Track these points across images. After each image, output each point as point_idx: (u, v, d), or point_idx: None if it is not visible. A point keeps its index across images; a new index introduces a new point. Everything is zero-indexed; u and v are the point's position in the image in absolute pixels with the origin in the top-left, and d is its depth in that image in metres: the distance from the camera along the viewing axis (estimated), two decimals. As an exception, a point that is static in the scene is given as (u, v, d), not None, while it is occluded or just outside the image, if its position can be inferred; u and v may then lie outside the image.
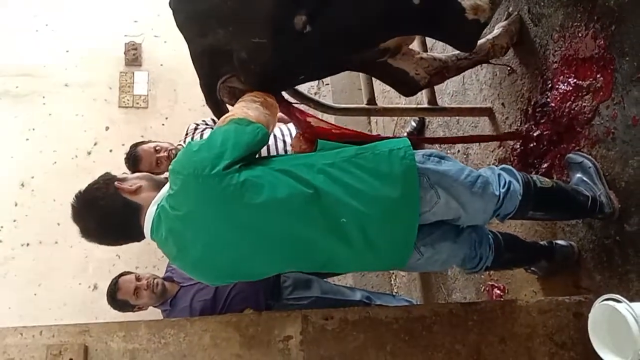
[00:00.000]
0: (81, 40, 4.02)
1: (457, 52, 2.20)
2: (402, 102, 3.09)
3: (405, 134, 3.35)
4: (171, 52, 3.94)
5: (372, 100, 2.40)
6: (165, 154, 2.99)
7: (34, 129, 3.80)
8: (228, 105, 1.80)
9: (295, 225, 1.48)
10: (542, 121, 2.17)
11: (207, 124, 3.15)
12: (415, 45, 2.37)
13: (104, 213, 1.56)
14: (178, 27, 1.83)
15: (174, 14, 1.82)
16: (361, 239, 1.50)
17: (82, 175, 3.68)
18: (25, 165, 3.71)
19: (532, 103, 2.23)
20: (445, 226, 1.71)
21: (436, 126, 3.12)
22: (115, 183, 1.59)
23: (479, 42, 2.22)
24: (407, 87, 2.17)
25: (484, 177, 1.67)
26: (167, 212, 1.48)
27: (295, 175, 1.50)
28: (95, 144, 3.83)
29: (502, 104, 2.46)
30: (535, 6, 2.22)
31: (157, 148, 2.99)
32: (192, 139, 3.07)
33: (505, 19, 2.33)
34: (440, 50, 2.31)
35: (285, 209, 1.47)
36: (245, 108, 1.60)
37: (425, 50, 2.42)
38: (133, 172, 3.07)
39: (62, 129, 3.82)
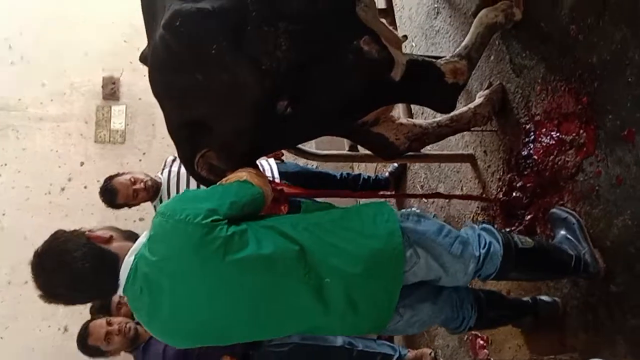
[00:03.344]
0: (57, 73, 3.95)
1: (438, 119, 2.22)
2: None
3: (387, 174, 3.33)
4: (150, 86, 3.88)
5: (354, 146, 2.37)
6: (142, 185, 2.92)
7: (6, 164, 3.72)
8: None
9: (277, 283, 1.43)
10: (525, 173, 2.15)
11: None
12: (399, 110, 2.37)
13: (77, 267, 1.45)
14: (154, 95, 1.77)
15: (149, 81, 1.75)
16: (343, 301, 1.47)
17: (55, 212, 3.61)
18: (-4, 202, 3.60)
19: (515, 154, 2.21)
20: (424, 287, 1.67)
21: (418, 167, 3.10)
22: (86, 233, 1.52)
23: (461, 110, 2.25)
24: (386, 152, 2.16)
25: (464, 237, 1.65)
26: (146, 259, 1.42)
27: (281, 231, 1.47)
28: (69, 180, 3.74)
29: (485, 151, 2.44)
30: (517, 57, 2.22)
31: (132, 179, 2.92)
32: (170, 170, 3.02)
33: (487, 88, 2.34)
34: (432, 114, 2.30)
35: (268, 265, 1.42)
36: (253, 174, 1.58)
37: (410, 115, 2.43)
38: (109, 206, 3.00)
39: (36, 165, 3.73)
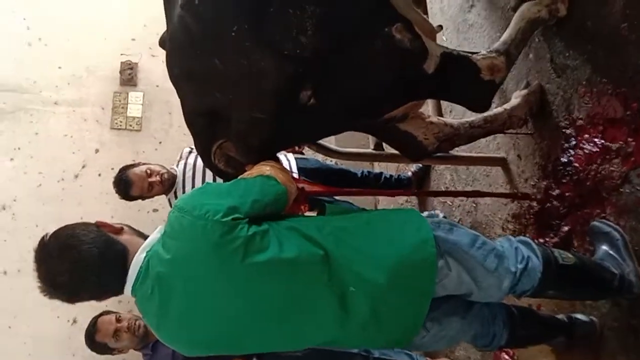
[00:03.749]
0: (75, 57, 3.84)
1: (471, 119, 2.08)
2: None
3: (410, 174, 3.19)
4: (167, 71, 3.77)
5: (379, 145, 2.23)
6: (158, 178, 2.82)
7: (19, 149, 3.62)
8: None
9: (298, 290, 1.32)
10: (563, 181, 2.00)
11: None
12: (429, 107, 2.24)
13: (84, 250, 1.32)
14: (171, 80, 1.67)
15: (167, 64, 1.66)
16: (367, 312, 1.35)
17: (67, 199, 3.52)
18: (7, 187, 3.53)
19: (553, 160, 2.07)
20: (454, 299, 1.55)
21: (443, 168, 2.96)
22: (96, 221, 1.42)
23: (496, 111, 2.12)
24: (414, 151, 2.03)
25: (499, 250, 1.52)
26: (159, 256, 1.31)
27: (305, 234, 1.36)
28: (83, 167, 3.65)
29: (518, 155, 2.30)
30: (559, 56, 2.07)
31: (148, 171, 2.82)
32: (186, 163, 2.91)
33: (524, 88, 2.19)
34: (461, 113, 2.15)
35: (290, 270, 1.31)
36: (277, 168, 1.48)
37: (440, 113, 2.28)
38: (123, 198, 2.91)
39: (49, 150, 3.64)
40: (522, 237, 1.63)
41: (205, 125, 1.59)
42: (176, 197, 2.83)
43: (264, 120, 1.50)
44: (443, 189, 2.92)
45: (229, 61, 1.45)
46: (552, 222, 2.06)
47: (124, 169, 2.91)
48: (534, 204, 2.15)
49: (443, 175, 2.96)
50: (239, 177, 1.47)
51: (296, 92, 1.49)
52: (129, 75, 3.83)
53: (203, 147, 1.65)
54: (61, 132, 3.69)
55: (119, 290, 1.37)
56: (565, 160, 2.00)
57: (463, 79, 1.81)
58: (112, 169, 3.48)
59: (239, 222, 1.28)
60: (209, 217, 1.27)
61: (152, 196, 2.97)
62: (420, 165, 3.14)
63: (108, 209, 3.36)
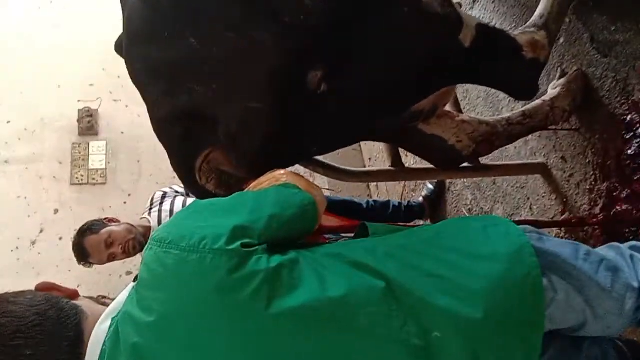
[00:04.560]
0: (27, 108, 3.42)
1: (507, 115, 1.72)
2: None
3: (421, 199, 2.79)
4: (134, 118, 3.38)
5: (397, 159, 1.83)
6: (120, 248, 2.32)
7: (-36, 217, 3.12)
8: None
9: (356, 346, 0.84)
10: (634, 177, 1.62)
11: (177, 192, 2.54)
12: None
13: (9, 321, 0.85)
14: (134, 81, 1.26)
15: (126, 63, 1.25)
16: None
17: (24, 271, 3.03)
18: (-48, 261, 3.01)
19: (614, 155, 1.69)
20: (560, 339, 1.10)
21: (461, 188, 2.57)
22: (39, 284, 0.97)
23: (535, 104, 1.77)
24: (446, 158, 1.64)
25: (610, 261, 1.10)
26: (134, 320, 0.85)
27: (354, 261, 0.90)
28: (41, 232, 3.16)
29: (563, 157, 1.92)
30: (602, 32, 1.72)
31: (108, 241, 2.32)
32: (160, 210, 2.44)
33: (560, 77, 1.85)
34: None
35: (341, 316, 0.84)
36: (294, 174, 1.08)
37: (460, 110, 1.91)
38: (84, 265, 2.43)
39: (1, 215, 3.14)
40: (634, 243, 1.22)
41: (182, 134, 1.18)
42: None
43: (262, 111, 1.09)
44: (465, 212, 2.52)
45: (210, 38, 1.05)
46: (624, 230, 1.67)
47: (81, 234, 2.43)
48: (597, 210, 1.75)
49: (462, 196, 2.56)
50: (242, 192, 1.05)
51: (302, 73, 1.10)
52: (88, 124, 3.40)
53: (183, 165, 1.24)
54: (14, 194, 3.22)
55: None
56: (633, 152, 1.62)
57: (503, 56, 1.47)
58: (76, 230, 3.01)
59: (253, 249, 0.84)
60: (206, 247, 0.82)
61: (123, 259, 2.49)
62: (431, 187, 2.75)
63: (72, 277, 2.87)
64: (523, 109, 1.76)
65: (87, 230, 2.38)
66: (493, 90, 2.27)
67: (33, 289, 0.99)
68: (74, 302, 0.92)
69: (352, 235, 1.22)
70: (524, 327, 0.94)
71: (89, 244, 2.34)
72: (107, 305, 0.93)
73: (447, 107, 1.84)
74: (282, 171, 1.08)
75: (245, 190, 1.04)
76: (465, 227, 1.02)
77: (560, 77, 1.86)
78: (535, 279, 0.94)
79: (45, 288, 0.93)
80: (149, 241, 0.90)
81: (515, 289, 0.93)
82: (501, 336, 0.91)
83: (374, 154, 3.55)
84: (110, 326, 0.87)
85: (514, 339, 0.93)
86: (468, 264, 0.93)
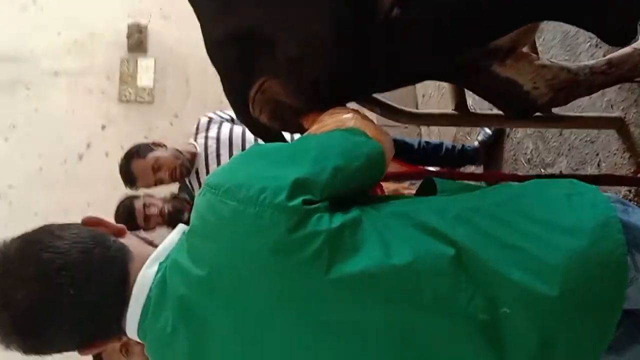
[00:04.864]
0: (75, 21, 3.35)
1: (591, 62, 1.55)
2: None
3: (477, 143, 2.65)
4: (183, 36, 3.26)
5: (462, 104, 1.69)
6: (167, 174, 2.31)
7: (14, 127, 3.16)
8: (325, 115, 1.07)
9: (419, 320, 0.77)
10: None
11: (223, 118, 2.48)
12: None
13: (54, 257, 0.79)
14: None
15: None
16: (534, 344, 0.80)
17: (71, 185, 3.06)
18: (3, 172, 3.06)
19: None
20: (633, 317, 1.02)
21: (522, 136, 2.41)
22: (85, 217, 0.89)
23: (622, 52, 1.57)
24: (519, 106, 1.50)
25: None
26: (183, 270, 0.80)
27: (422, 223, 0.81)
28: (88, 147, 3.17)
29: (645, 113, 1.75)
30: None
31: (155, 166, 2.30)
32: (206, 136, 2.40)
33: None
34: None
35: (405, 287, 0.77)
36: (362, 117, 0.98)
37: (536, 53, 1.74)
38: (130, 187, 2.44)
39: (50, 128, 3.17)
40: None
41: (237, 57, 1.09)
42: (199, 182, 2.32)
43: (327, 35, 0.99)
44: (523, 162, 2.38)
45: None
46: None
47: (128, 158, 2.41)
48: (677, 176, 1.61)
49: (522, 144, 2.41)
50: (304, 134, 0.95)
51: None
52: (137, 40, 3.32)
53: (236, 93, 1.15)
54: (63, 107, 3.22)
55: (112, 328, 0.84)
56: None
57: None
58: (122, 147, 3.01)
59: (315, 207, 0.77)
60: (265, 201, 0.76)
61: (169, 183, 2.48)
62: (489, 131, 2.60)
63: (119, 194, 2.89)
64: (609, 56, 1.58)
65: (134, 154, 2.36)
66: (572, 31, 2.07)
67: (81, 202, 0.94)
68: (121, 240, 0.87)
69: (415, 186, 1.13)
70: (601, 309, 0.85)
71: (136, 168, 2.32)
72: (155, 247, 0.88)
73: (524, 48, 1.69)
74: (349, 114, 0.98)
75: (309, 134, 0.95)
76: (547, 193, 0.91)
77: (655, 22, 1.66)
78: (620, 258, 0.84)
79: (93, 222, 0.88)
80: (202, 186, 0.83)
81: (596, 267, 0.83)
82: (575, 317, 0.83)
83: (428, 90, 3.39)
84: (158, 272, 0.82)
85: (589, 320, 0.84)
86: (547, 235, 0.83)
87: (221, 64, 1.19)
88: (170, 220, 2.51)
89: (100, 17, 3.37)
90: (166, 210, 2.48)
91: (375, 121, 1.14)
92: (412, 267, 0.76)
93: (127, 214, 2.48)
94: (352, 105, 1.24)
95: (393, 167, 1.41)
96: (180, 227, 0.89)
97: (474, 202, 0.88)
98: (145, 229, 2.51)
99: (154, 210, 2.48)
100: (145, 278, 0.83)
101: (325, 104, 1.11)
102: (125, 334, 0.85)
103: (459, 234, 0.81)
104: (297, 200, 0.75)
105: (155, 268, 0.84)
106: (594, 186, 0.94)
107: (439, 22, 1.11)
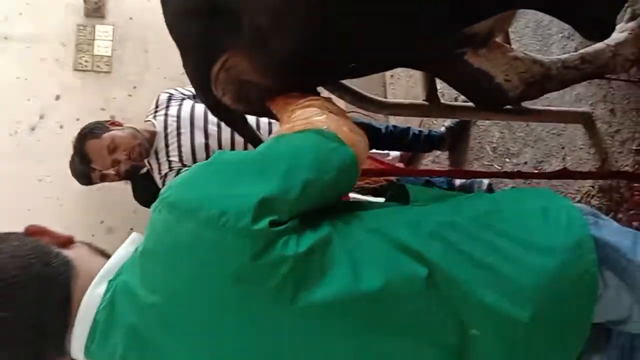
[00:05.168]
0: (28, -20, 3.13)
1: (564, 56, 1.53)
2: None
3: (444, 129, 2.63)
4: (144, 2, 3.10)
5: (432, 94, 1.66)
6: (124, 155, 2.19)
7: (-40, 94, 2.95)
8: (293, 109, 0.99)
9: (389, 348, 0.74)
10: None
11: (184, 95, 2.37)
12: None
13: None
14: None
15: None
16: None
17: (23, 157, 2.91)
18: (-52, 143, 2.88)
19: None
20: (595, 329, 1.01)
21: (489, 124, 2.40)
22: (28, 226, 0.82)
23: (596, 47, 1.56)
24: (490, 98, 1.48)
25: None
26: (133, 294, 0.73)
27: (395, 240, 0.77)
28: (41, 118, 3.00)
29: (612, 110, 1.75)
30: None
31: (111, 146, 2.18)
32: (166, 114, 2.29)
33: (630, 20, 1.62)
34: None
35: (375, 313, 0.73)
36: (334, 114, 0.91)
37: (509, 44, 1.70)
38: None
39: (-1, 96, 2.98)
40: None
41: (200, 30, 1.00)
42: (158, 163, 2.21)
43: (300, 3, 0.91)
44: (489, 149, 2.37)
45: None
46: (669, 202, 1.54)
47: (82, 138, 2.26)
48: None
49: (489, 133, 2.40)
50: (273, 137, 0.88)
51: None
52: (95, 5, 3.14)
53: (197, 69, 1.07)
54: (13, 74, 3.02)
55: (56, 350, 0.77)
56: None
57: None
58: (77, 119, 2.88)
59: (282, 228, 0.71)
60: (227, 224, 0.69)
61: (120, 175, 2.35)
62: (457, 118, 2.58)
63: (73, 168, 2.76)
64: (582, 51, 1.56)
65: (88, 134, 2.23)
66: (544, 21, 2.05)
67: (32, 176, 0.84)
68: (66, 252, 0.79)
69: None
70: (571, 330, 0.84)
71: (91, 149, 2.20)
72: (107, 257, 0.81)
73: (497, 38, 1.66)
74: (319, 111, 0.91)
75: (278, 137, 0.87)
76: (523, 207, 0.88)
77: (629, 20, 1.64)
78: (592, 279, 0.83)
79: (36, 232, 0.80)
80: (158, 200, 0.76)
81: (568, 287, 0.82)
82: (544, 340, 0.81)
83: (397, 71, 3.33)
84: (107, 291, 0.75)
85: (557, 343, 0.83)
86: (522, 254, 0.80)
87: (182, 36, 1.10)
88: (128, 176, 2.40)
89: (55, -22, 3.16)
90: (123, 170, 2.30)
91: (344, 108, 1.09)
92: (382, 292, 0.72)
93: (82, 175, 2.37)
94: (322, 93, 1.19)
95: (366, 163, 1.37)
96: (133, 238, 0.82)
97: (449, 217, 0.84)
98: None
99: (110, 172, 2.33)
100: (91, 299, 0.76)
101: (294, 84, 1.05)
102: (69, 355, 0.78)
103: (434, 253, 0.77)
104: (264, 223, 0.69)
105: (104, 287, 0.77)
106: (566, 198, 0.92)
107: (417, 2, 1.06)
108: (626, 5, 1.68)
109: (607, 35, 1.43)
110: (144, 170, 2.39)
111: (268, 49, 1.01)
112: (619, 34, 1.61)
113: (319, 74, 1.15)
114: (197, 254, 0.70)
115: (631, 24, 1.60)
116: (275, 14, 0.96)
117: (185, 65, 1.16)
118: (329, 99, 1.01)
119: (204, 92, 1.13)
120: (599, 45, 1.58)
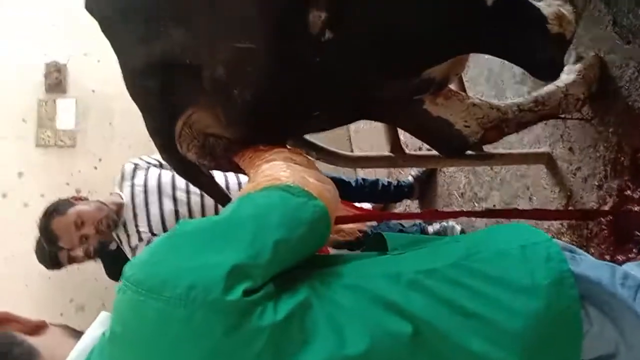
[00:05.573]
0: (-13, 60, 3.13)
1: (518, 100, 1.60)
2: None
3: (411, 179, 2.67)
4: (106, 75, 3.11)
5: (396, 145, 1.69)
6: (92, 229, 2.14)
7: None
8: (256, 164, 1.00)
9: None
10: (652, 179, 1.52)
11: (149, 164, 2.35)
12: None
13: None
14: (103, 29, 1.09)
15: (93, 13, 1.08)
16: None
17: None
18: None
19: (631, 152, 1.58)
20: None
21: (455, 170, 2.44)
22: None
23: (548, 89, 1.64)
24: (451, 145, 1.51)
25: None
26: None
27: (376, 296, 0.75)
28: (4, 197, 2.94)
29: (570, 148, 1.80)
30: (626, 16, 1.58)
31: (77, 221, 2.12)
32: (133, 184, 2.25)
33: (575, 62, 1.71)
34: None
35: None
36: (300, 166, 0.90)
37: (464, 90, 1.77)
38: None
39: (-41, 178, 2.92)
40: None
41: (160, 88, 1.00)
42: (127, 235, 2.16)
43: (254, 53, 0.93)
44: (457, 195, 2.40)
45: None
46: (634, 234, 1.57)
47: (47, 217, 2.18)
48: (606, 209, 1.65)
49: (455, 179, 2.44)
50: (238, 198, 0.86)
51: (303, 11, 0.95)
52: (56, 80, 3.15)
53: (161, 128, 1.07)
54: (-27, 154, 2.98)
55: None
56: (653, 150, 1.51)
57: (527, 26, 1.33)
58: (42, 195, 2.82)
59: (257, 297, 0.67)
60: (197, 299, 0.65)
61: (86, 255, 2.29)
62: (423, 167, 2.63)
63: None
64: (535, 94, 1.63)
65: (53, 212, 2.16)
66: (497, 69, 2.13)
67: None
68: (32, 340, 0.75)
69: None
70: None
71: (57, 226, 2.13)
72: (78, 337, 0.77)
73: (451, 86, 1.71)
74: (286, 170, 0.90)
75: (242, 197, 0.85)
76: (501, 247, 0.87)
77: (575, 62, 1.72)
78: (575, 316, 0.82)
79: (1, 320, 0.76)
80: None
81: (552, 325, 0.81)
82: None
83: (360, 124, 3.40)
84: None
85: None
86: (504, 296, 0.80)
87: (142, 97, 1.10)
88: (97, 254, 2.32)
89: (15, 56, 3.17)
90: (91, 248, 2.22)
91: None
92: (368, 355, 0.69)
93: (49, 259, 2.30)
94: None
95: (340, 210, 1.36)
96: (102, 318, 0.79)
97: (427, 264, 0.83)
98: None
99: (78, 253, 2.26)
100: None
101: (259, 135, 1.04)
102: None
103: (416, 306, 0.76)
104: (237, 292, 0.66)
105: None
106: (543, 234, 0.92)
107: (370, 46, 1.08)
108: (571, 48, 1.77)
109: (556, 76, 1.49)
110: (114, 246, 2.32)
111: (229, 100, 1.02)
112: (567, 76, 1.69)
113: (282, 123, 1.16)
114: (166, 335, 0.66)
115: (578, 66, 1.68)
116: (233, 65, 0.98)
117: (148, 128, 1.15)
118: (295, 150, 1.01)
119: (169, 150, 1.13)
120: (551, 87, 1.65)
